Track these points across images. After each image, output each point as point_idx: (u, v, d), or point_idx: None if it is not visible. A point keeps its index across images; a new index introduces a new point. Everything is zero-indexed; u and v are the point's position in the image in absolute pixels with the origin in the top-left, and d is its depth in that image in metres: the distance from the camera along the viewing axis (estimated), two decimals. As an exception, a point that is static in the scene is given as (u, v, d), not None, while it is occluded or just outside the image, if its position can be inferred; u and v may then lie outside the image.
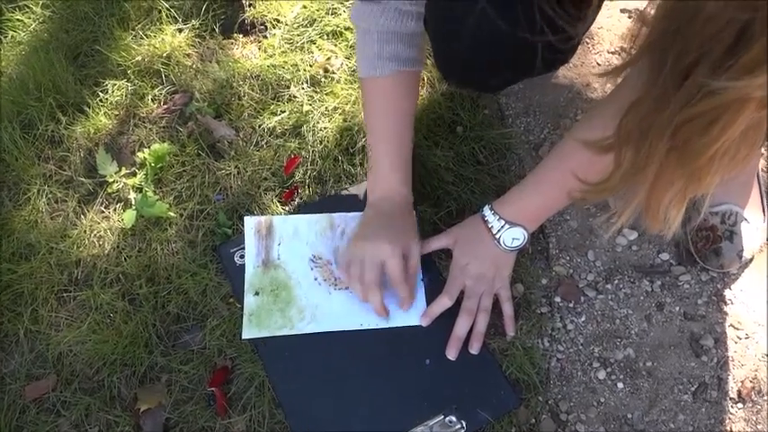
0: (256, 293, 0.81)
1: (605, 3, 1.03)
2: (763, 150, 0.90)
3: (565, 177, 0.57)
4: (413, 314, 0.80)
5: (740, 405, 0.78)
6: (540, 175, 0.77)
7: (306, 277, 0.83)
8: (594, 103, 0.97)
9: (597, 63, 1.02)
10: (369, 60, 0.76)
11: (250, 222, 0.86)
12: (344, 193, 0.90)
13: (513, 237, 0.78)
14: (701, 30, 0.36)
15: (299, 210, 0.89)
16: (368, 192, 0.82)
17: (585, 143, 0.51)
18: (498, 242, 0.78)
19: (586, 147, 0.50)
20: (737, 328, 0.82)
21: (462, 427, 0.74)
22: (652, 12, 0.41)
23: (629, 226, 0.89)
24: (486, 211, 0.79)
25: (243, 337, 0.79)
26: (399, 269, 0.76)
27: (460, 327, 0.78)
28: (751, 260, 0.86)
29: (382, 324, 0.80)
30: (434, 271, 0.84)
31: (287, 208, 0.90)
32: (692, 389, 0.79)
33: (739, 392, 0.78)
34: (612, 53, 1.02)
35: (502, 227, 0.77)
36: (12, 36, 1.09)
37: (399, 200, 0.80)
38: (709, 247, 0.84)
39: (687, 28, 0.37)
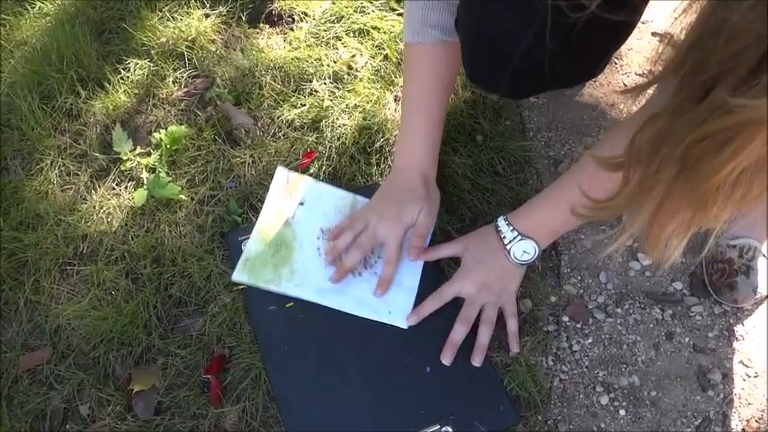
0: (259, 241, 0.82)
1: (638, 26, 1.02)
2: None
3: (577, 193, 0.55)
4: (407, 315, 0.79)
5: (744, 444, 0.76)
6: (555, 191, 0.76)
7: (310, 244, 0.83)
8: (617, 122, 0.96)
9: (624, 84, 1.01)
10: (414, 26, 0.75)
11: (282, 173, 0.87)
12: (374, 187, 0.88)
13: (524, 250, 0.77)
14: (724, 45, 0.35)
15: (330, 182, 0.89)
16: (395, 156, 0.84)
17: (598, 160, 0.49)
18: (508, 254, 0.77)
19: (598, 163, 0.49)
20: (747, 366, 0.80)
21: (458, 440, 0.72)
22: (681, 33, 0.40)
23: (644, 251, 0.87)
24: (501, 222, 0.78)
25: (232, 277, 0.79)
26: (395, 252, 0.78)
27: (456, 333, 0.77)
28: (766, 297, 0.84)
29: (366, 314, 0.78)
30: (441, 277, 0.82)
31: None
32: (696, 423, 0.77)
33: (743, 431, 0.76)
34: (640, 75, 1.01)
35: (514, 238, 0.76)
36: (39, 7, 1.09)
37: (422, 170, 0.80)
38: (725, 281, 0.82)
39: (710, 42, 0.36)
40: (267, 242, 0.82)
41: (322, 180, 0.90)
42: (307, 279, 0.80)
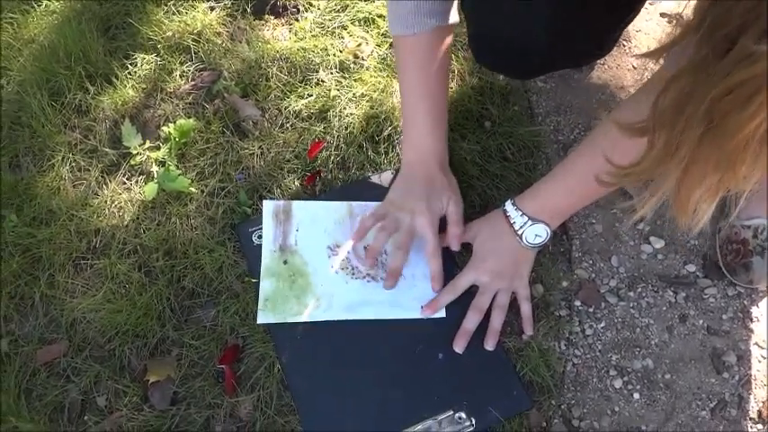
0: (272, 278, 0.81)
1: (646, 6, 1.01)
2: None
3: (594, 161, 0.54)
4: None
5: (760, 426, 0.75)
6: (567, 165, 0.75)
7: (323, 265, 0.82)
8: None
9: (633, 66, 1.00)
10: (406, 18, 0.73)
11: (269, 206, 0.86)
12: (367, 180, 0.89)
13: (536, 233, 0.76)
14: None
15: (320, 196, 0.88)
16: (403, 151, 0.83)
17: (620, 125, 0.48)
18: (521, 239, 0.77)
19: (621, 129, 0.48)
20: (762, 347, 0.80)
21: (472, 425, 0.72)
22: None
23: (656, 234, 0.86)
24: (509, 206, 0.78)
25: (258, 321, 0.78)
26: (436, 244, 0.77)
27: (469, 322, 0.77)
28: (781, 278, 0.83)
29: (399, 315, 0.78)
30: (452, 266, 0.82)
31: (308, 192, 0.89)
32: (711, 405, 0.76)
33: (759, 413, 0.76)
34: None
35: (525, 223, 0.76)
36: (45, 5, 1.10)
37: (437, 159, 0.80)
38: (739, 261, 0.81)
39: None
40: (280, 276, 0.80)
41: (330, 172, 0.90)
42: (333, 300, 0.79)
